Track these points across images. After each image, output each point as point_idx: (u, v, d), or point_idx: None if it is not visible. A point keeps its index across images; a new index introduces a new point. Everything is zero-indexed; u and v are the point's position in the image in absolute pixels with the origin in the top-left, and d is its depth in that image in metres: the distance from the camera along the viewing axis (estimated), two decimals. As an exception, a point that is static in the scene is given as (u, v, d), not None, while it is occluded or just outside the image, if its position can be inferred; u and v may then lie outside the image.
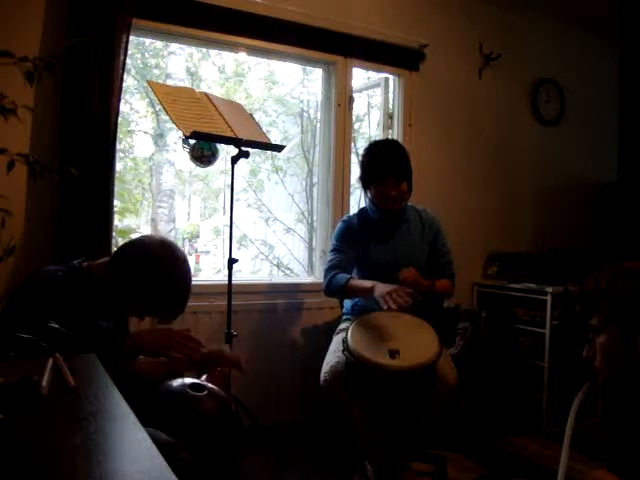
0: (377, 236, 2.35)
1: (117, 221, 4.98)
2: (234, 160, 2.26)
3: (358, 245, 2.35)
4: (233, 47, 2.84)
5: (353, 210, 2.96)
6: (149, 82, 2.39)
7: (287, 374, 2.80)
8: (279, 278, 4.83)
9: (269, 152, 4.79)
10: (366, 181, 2.31)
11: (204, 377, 1.64)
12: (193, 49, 5.65)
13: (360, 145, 4.94)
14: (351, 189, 3.18)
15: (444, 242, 2.41)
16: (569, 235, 3.68)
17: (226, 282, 2.30)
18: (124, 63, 2.31)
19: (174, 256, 1.52)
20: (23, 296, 1.45)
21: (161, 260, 1.49)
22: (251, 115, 2.57)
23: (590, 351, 1.19)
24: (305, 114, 5.42)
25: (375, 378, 1.90)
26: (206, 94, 2.39)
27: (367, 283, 2.13)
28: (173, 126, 2.90)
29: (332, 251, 2.36)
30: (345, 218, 2.47)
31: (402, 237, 2.36)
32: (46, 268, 1.57)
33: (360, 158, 2.38)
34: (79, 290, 1.47)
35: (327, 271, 2.31)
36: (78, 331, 1.32)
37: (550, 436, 2.88)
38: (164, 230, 5.77)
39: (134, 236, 1.82)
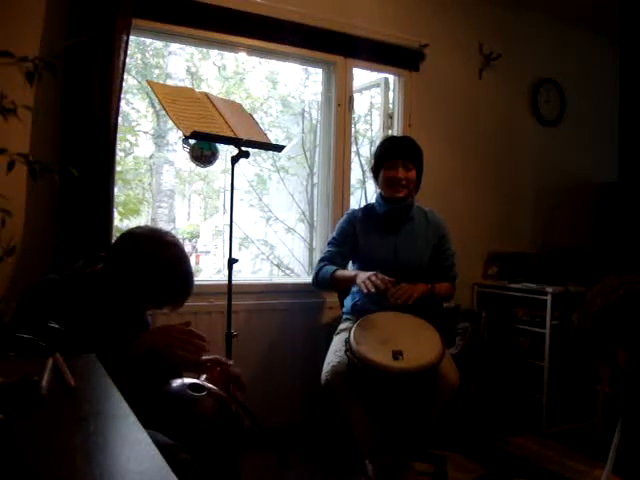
0: (380, 231, 2.37)
1: (118, 221, 4.97)
2: (234, 160, 2.26)
3: (356, 240, 2.39)
4: (233, 47, 2.84)
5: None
6: (149, 82, 2.38)
7: (287, 374, 2.80)
8: (279, 278, 4.82)
9: (270, 152, 4.79)
10: (377, 164, 2.37)
11: (204, 377, 1.64)
12: (193, 49, 5.65)
13: (361, 145, 4.94)
14: (351, 189, 3.18)
15: (448, 246, 2.43)
16: (569, 235, 3.67)
17: (226, 282, 2.30)
18: (124, 63, 2.31)
19: (164, 242, 1.50)
20: (24, 300, 1.46)
21: (152, 249, 1.47)
22: (251, 115, 2.57)
23: (604, 384, 1.18)
24: (306, 114, 5.41)
25: (378, 379, 1.90)
26: (206, 94, 2.38)
27: (351, 273, 2.24)
28: (173, 126, 2.89)
29: (329, 244, 2.44)
30: (349, 211, 2.53)
31: (405, 234, 2.37)
32: (49, 276, 1.58)
33: (374, 149, 2.45)
34: (82, 293, 1.47)
35: (318, 262, 2.39)
36: (79, 332, 1.32)
37: (550, 436, 2.88)
38: (164, 230, 5.75)
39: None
